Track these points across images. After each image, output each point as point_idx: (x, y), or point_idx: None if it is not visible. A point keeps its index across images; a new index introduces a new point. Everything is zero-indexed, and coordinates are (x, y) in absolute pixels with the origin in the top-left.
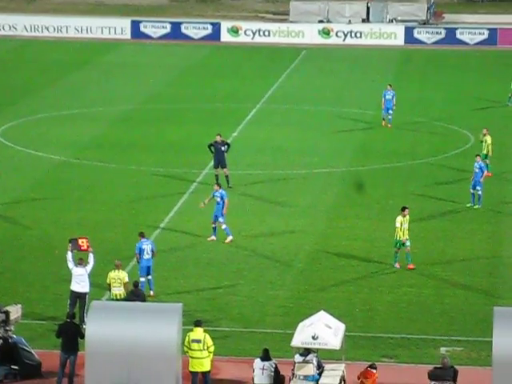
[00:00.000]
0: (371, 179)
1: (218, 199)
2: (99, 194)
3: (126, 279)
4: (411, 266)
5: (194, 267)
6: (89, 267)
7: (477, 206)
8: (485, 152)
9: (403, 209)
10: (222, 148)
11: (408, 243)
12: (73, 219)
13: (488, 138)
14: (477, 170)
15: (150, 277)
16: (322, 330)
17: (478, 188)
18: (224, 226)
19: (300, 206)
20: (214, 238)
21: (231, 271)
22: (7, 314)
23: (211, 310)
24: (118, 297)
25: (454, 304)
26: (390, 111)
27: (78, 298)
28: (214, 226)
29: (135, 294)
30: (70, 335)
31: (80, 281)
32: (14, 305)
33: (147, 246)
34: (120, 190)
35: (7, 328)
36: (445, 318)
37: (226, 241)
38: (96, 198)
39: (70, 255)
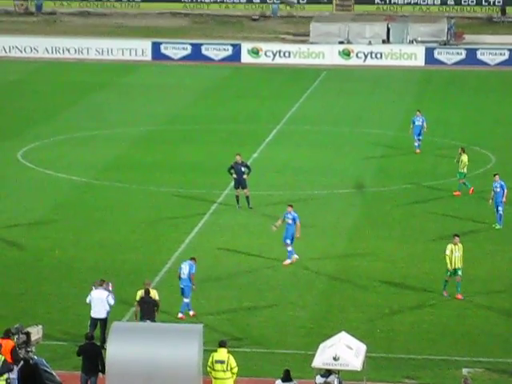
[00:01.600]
0: (392, 200)
1: (290, 221)
2: (120, 215)
3: (157, 297)
4: (459, 296)
5: (215, 288)
6: (110, 298)
7: (498, 227)
8: (462, 171)
9: (454, 236)
10: (242, 169)
11: (460, 272)
12: (94, 240)
13: (464, 157)
14: (498, 190)
15: (185, 299)
16: (343, 350)
17: (500, 208)
18: (290, 249)
19: (321, 227)
20: (289, 261)
21: (252, 292)
22: (28, 335)
23: (232, 331)
24: None
25: (476, 325)
26: (420, 137)
27: (99, 321)
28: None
29: (145, 300)
30: (91, 356)
31: (98, 304)
32: (35, 326)
33: (184, 267)
34: (141, 211)
35: (28, 349)
36: (466, 339)
37: (285, 262)
38: (117, 218)
39: (94, 292)
